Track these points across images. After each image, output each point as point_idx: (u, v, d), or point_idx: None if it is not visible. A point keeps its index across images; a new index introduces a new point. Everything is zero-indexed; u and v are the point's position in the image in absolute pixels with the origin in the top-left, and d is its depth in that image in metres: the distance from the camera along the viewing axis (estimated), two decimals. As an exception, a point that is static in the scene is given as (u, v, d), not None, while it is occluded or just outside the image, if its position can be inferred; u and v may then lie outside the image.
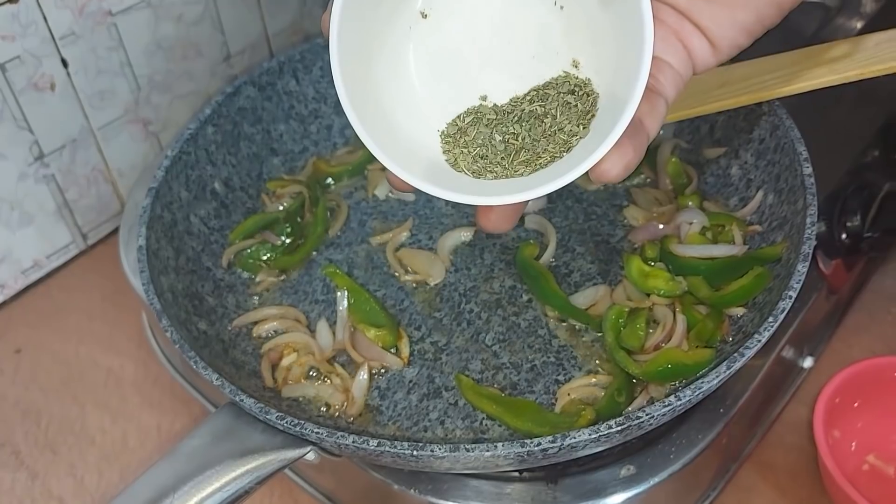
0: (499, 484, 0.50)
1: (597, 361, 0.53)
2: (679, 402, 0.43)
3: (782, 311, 0.46)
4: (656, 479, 0.50)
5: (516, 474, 0.50)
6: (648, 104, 0.39)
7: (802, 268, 0.48)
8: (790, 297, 0.46)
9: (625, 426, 0.42)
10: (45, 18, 0.65)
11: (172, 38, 0.75)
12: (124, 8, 0.70)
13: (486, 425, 0.51)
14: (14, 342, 0.72)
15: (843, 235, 0.62)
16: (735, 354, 0.44)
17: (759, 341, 0.45)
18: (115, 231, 0.79)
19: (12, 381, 0.69)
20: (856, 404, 0.58)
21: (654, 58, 0.37)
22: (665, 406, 0.43)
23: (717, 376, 0.44)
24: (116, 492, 0.61)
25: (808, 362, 0.62)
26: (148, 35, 0.73)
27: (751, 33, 0.42)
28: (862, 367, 0.57)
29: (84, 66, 0.70)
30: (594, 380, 0.52)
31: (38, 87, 0.67)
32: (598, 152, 0.36)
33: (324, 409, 0.52)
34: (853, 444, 0.58)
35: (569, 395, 0.52)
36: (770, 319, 0.46)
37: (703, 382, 0.43)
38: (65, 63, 0.68)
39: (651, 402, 0.50)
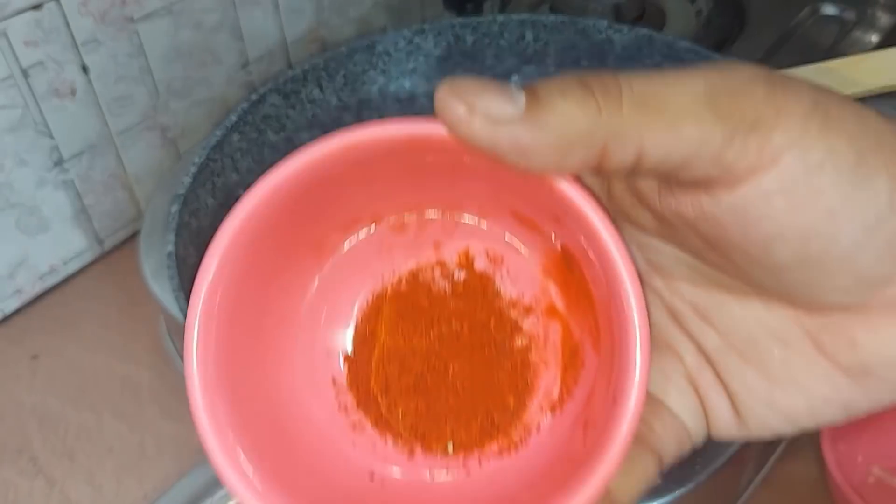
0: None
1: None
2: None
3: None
4: (683, 490, 0.50)
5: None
6: (626, 463, 0.27)
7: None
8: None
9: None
10: (67, 25, 0.66)
11: (191, 44, 0.75)
12: (145, 14, 0.70)
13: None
14: (31, 348, 0.72)
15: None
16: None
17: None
18: (132, 237, 0.79)
19: (29, 388, 0.69)
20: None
21: (648, 394, 0.27)
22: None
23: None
24: (134, 500, 0.61)
25: (829, 374, 0.62)
26: (167, 42, 0.73)
27: (794, 422, 0.29)
28: None
29: (104, 73, 0.70)
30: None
31: (60, 92, 0.67)
32: None
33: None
34: (859, 455, 0.58)
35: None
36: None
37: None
38: (85, 69, 0.68)
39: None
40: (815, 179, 0.23)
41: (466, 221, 0.33)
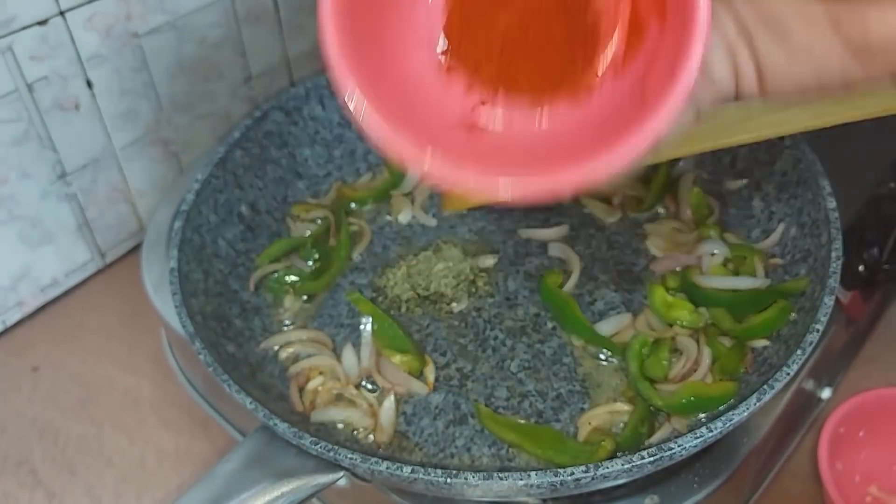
0: (522, 512, 0.50)
1: (620, 390, 0.54)
2: (710, 434, 0.43)
3: (810, 344, 0.46)
4: (681, 509, 0.50)
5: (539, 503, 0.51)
6: None
7: (829, 301, 0.48)
8: (817, 331, 0.47)
9: (657, 457, 0.42)
10: (72, 40, 0.66)
11: (195, 59, 0.76)
12: (150, 30, 0.71)
13: (512, 453, 0.51)
14: (32, 360, 0.72)
15: (861, 267, 0.62)
16: (764, 386, 0.45)
17: (788, 374, 0.45)
18: (133, 250, 0.79)
19: (30, 400, 0.69)
20: (860, 434, 0.58)
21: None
22: (697, 437, 0.43)
23: (747, 408, 0.44)
24: (134, 513, 0.61)
25: (825, 393, 0.62)
26: (171, 57, 0.74)
27: (803, 89, 0.36)
28: (866, 398, 0.58)
29: (109, 87, 0.70)
30: (616, 408, 0.53)
31: (64, 107, 0.68)
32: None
33: (352, 433, 0.52)
34: (856, 475, 0.58)
35: (590, 423, 0.52)
36: (798, 352, 0.46)
37: (733, 414, 0.44)
38: (90, 84, 0.69)
39: (674, 433, 0.50)
40: None
41: None
